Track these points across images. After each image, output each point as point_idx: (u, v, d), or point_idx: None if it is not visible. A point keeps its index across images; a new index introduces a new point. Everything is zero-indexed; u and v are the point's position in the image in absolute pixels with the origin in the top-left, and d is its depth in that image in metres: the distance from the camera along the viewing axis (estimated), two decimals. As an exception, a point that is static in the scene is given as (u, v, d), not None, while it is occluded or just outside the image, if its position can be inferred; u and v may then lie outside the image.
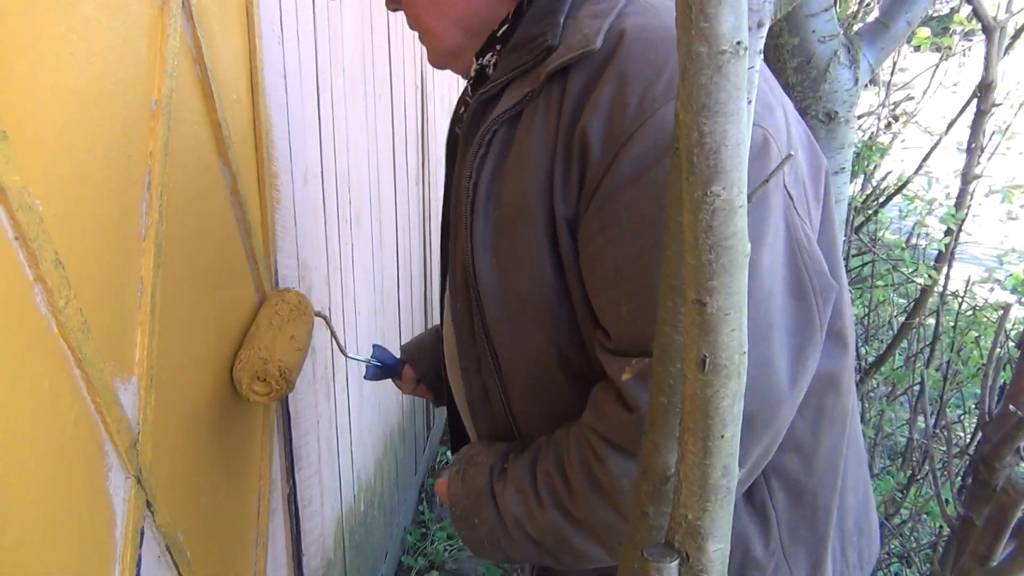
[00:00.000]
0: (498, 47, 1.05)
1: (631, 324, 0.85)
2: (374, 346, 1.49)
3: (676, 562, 0.57)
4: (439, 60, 1.12)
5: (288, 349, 1.28)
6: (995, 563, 0.59)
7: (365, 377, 1.47)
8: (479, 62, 1.07)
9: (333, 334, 1.49)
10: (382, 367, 1.47)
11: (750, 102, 0.57)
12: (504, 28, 1.03)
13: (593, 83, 0.86)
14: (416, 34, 1.12)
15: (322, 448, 1.83)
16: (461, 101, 1.19)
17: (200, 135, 1.16)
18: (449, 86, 3.68)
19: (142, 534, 0.99)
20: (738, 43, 0.42)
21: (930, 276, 1.87)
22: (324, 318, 1.50)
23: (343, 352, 1.49)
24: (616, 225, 0.84)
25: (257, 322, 1.31)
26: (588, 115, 0.84)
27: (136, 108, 0.98)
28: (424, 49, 1.12)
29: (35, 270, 0.78)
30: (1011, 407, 0.62)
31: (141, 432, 0.98)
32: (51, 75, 0.80)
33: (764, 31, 0.56)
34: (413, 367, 1.47)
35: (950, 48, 2.39)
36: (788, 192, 0.85)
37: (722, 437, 0.51)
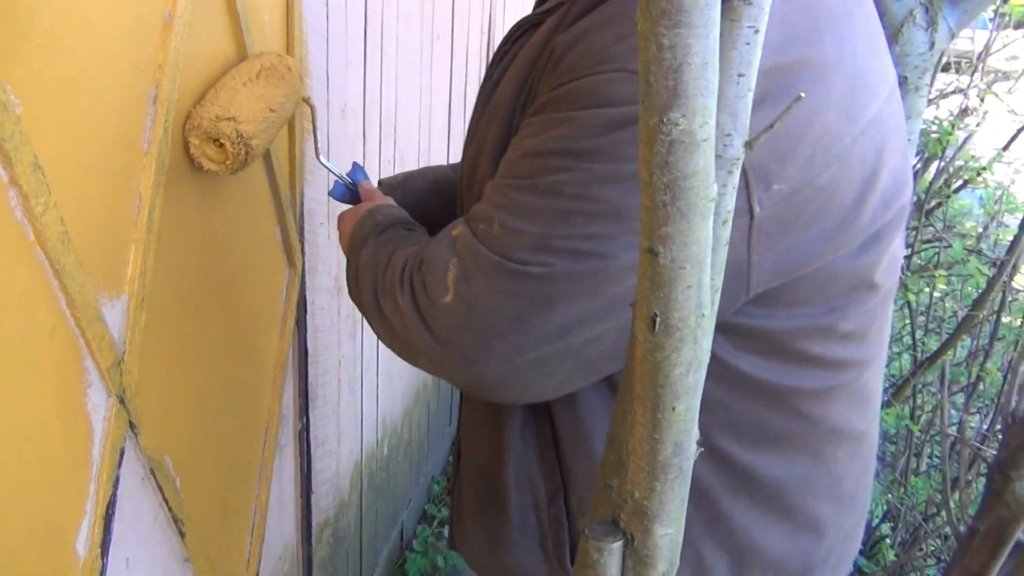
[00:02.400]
0: None
1: (478, 206, 0.84)
2: (355, 164, 1.29)
3: (620, 543, 0.51)
4: None
5: (253, 109, 1.08)
6: (990, 584, 0.52)
7: (330, 194, 1.27)
8: None
9: (315, 129, 1.34)
10: (353, 190, 1.26)
11: (757, 31, 0.50)
12: None
13: (587, 11, 0.83)
14: None
15: (343, 389, 1.81)
16: None
17: (219, 54, 1.12)
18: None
19: (122, 454, 0.97)
20: (707, -65, 0.35)
21: (981, 272, 1.73)
22: (310, 105, 1.31)
23: (317, 155, 1.30)
24: (519, 134, 0.84)
25: (221, 79, 1.10)
26: (564, 37, 0.82)
27: (146, 17, 0.94)
28: None
29: (9, 172, 0.75)
30: (1032, 409, 0.54)
31: (128, 351, 0.96)
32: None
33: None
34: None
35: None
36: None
37: (673, 410, 0.45)
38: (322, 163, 1.28)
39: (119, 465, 0.96)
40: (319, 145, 1.32)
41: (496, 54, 1.03)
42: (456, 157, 2.68)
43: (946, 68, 2.52)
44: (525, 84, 0.89)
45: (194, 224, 1.10)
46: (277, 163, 1.32)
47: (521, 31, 0.98)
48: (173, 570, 1.15)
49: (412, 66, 2.07)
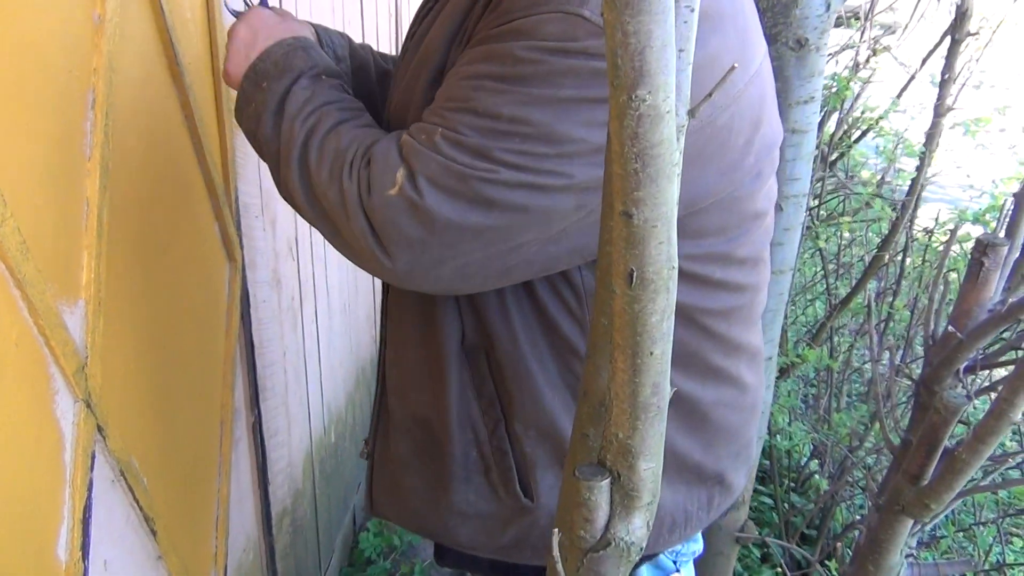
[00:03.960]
0: None
1: (420, 123, 0.88)
2: None
3: (607, 480, 0.57)
4: None
5: None
6: (925, 482, 0.59)
7: (228, 6, 1.16)
8: None
9: None
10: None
11: (693, 10, 0.55)
12: None
13: None
14: None
15: (289, 379, 1.82)
16: None
17: (150, 55, 1.12)
18: None
19: (93, 458, 0.98)
20: (662, -65, 0.40)
21: (886, 212, 1.85)
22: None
23: None
24: (456, 66, 0.89)
25: None
26: None
27: (77, 22, 0.94)
28: None
29: (-35, 187, 0.75)
30: (950, 328, 0.61)
31: (90, 356, 0.97)
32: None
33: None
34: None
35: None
36: None
37: (651, 354, 0.50)
38: None
39: (91, 468, 0.97)
40: None
41: (417, 14, 1.07)
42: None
43: (838, 24, 2.65)
44: (460, 29, 0.94)
45: (138, 226, 1.11)
46: (211, 158, 1.32)
47: None
48: (146, 569, 1.16)
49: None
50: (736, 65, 0.62)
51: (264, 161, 1.01)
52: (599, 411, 0.66)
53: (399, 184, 0.85)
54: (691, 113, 0.57)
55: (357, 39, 2.38)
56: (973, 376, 0.65)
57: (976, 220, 1.89)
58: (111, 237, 1.01)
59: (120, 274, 1.05)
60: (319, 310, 2.09)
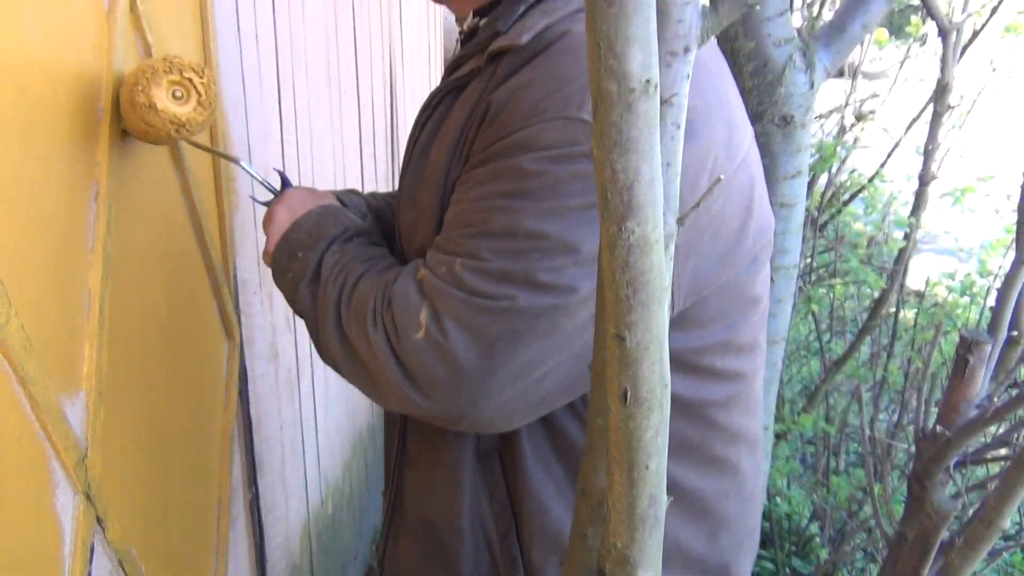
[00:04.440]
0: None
1: (435, 254, 0.89)
2: (279, 172, 1.20)
3: (607, 588, 0.58)
4: None
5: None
6: (922, 584, 0.60)
7: (257, 199, 1.20)
8: (475, 20, 1.07)
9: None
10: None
11: (677, 126, 0.57)
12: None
13: (514, 72, 0.90)
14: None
15: (286, 453, 1.82)
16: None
17: (153, 146, 1.15)
18: (420, 81, 3.66)
19: (92, 551, 0.98)
20: (647, 81, 0.42)
21: (879, 284, 1.89)
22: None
23: (238, 161, 1.20)
24: (462, 188, 0.90)
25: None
26: (498, 94, 0.89)
27: (80, 116, 0.96)
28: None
29: (-29, 289, 0.77)
30: (938, 428, 0.62)
31: (90, 447, 0.97)
32: (-15, 90, 0.79)
33: (691, 56, 0.56)
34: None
35: (914, 38, 2.40)
36: None
37: (647, 468, 0.51)
38: (245, 168, 1.19)
39: (90, 561, 0.97)
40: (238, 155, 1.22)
41: (417, 120, 1.08)
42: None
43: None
44: (458, 144, 0.95)
45: (138, 311, 1.12)
46: (210, 238, 1.34)
47: (439, 98, 1.04)
48: (143, 657, 1.15)
49: (324, 126, 2.11)
50: (721, 178, 0.64)
51: (308, 330, 1.02)
52: (598, 511, 0.67)
53: (424, 327, 0.85)
54: (680, 221, 0.59)
55: (355, 153, 2.44)
56: (964, 470, 0.67)
57: (964, 292, 1.91)
58: (112, 326, 1.03)
59: (120, 362, 1.06)
60: (316, 380, 2.09)
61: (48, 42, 0.88)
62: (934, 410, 0.80)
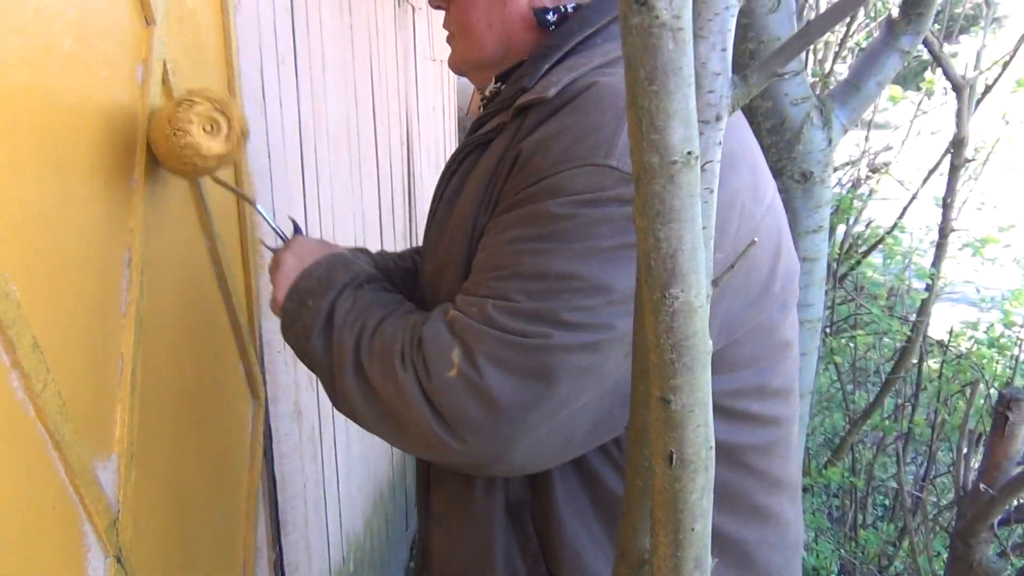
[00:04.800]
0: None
1: (466, 297, 0.90)
2: (292, 220, 1.23)
3: (652, 653, 0.57)
4: (464, 65, 1.14)
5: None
6: (970, 646, 0.59)
7: (269, 247, 1.21)
8: (497, 85, 1.11)
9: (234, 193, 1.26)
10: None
11: (710, 191, 0.59)
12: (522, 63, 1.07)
13: (542, 123, 0.93)
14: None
15: (309, 511, 1.81)
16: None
17: (182, 209, 1.17)
18: (436, 139, 3.72)
19: (122, 615, 0.97)
20: (688, 153, 0.43)
21: (904, 334, 1.88)
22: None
23: (255, 203, 1.21)
24: (491, 234, 0.92)
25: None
26: (527, 143, 0.91)
27: (116, 187, 0.99)
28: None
29: (11, 356, 0.78)
30: (981, 486, 0.62)
31: (121, 510, 0.97)
32: (29, 162, 0.81)
33: (723, 123, 0.58)
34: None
35: (925, 91, 2.43)
36: None
37: (692, 530, 0.51)
38: (260, 212, 1.21)
39: (120, 626, 0.97)
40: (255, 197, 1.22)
41: (443, 175, 1.10)
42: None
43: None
44: (487, 191, 0.97)
45: (169, 375, 1.13)
46: (237, 300, 1.36)
47: (465, 153, 1.06)
48: None
49: (344, 188, 2.15)
50: (756, 240, 0.66)
51: (317, 375, 1.02)
52: (636, 572, 0.66)
53: (456, 365, 0.85)
54: (715, 283, 0.60)
55: (374, 211, 2.48)
56: (1008, 528, 0.66)
57: (992, 345, 1.91)
58: (143, 389, 1.04)
59: (151, 424, 1.07)
60: (338, 438, 2.09)
61: (84, 113, 0.91)
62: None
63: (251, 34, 1.44)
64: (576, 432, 0.89)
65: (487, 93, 1.14)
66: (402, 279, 1.28)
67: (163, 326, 1.11)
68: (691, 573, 0.53)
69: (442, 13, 1.14)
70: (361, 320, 0.97)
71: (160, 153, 1.03)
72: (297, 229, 1.20)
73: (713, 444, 0.50)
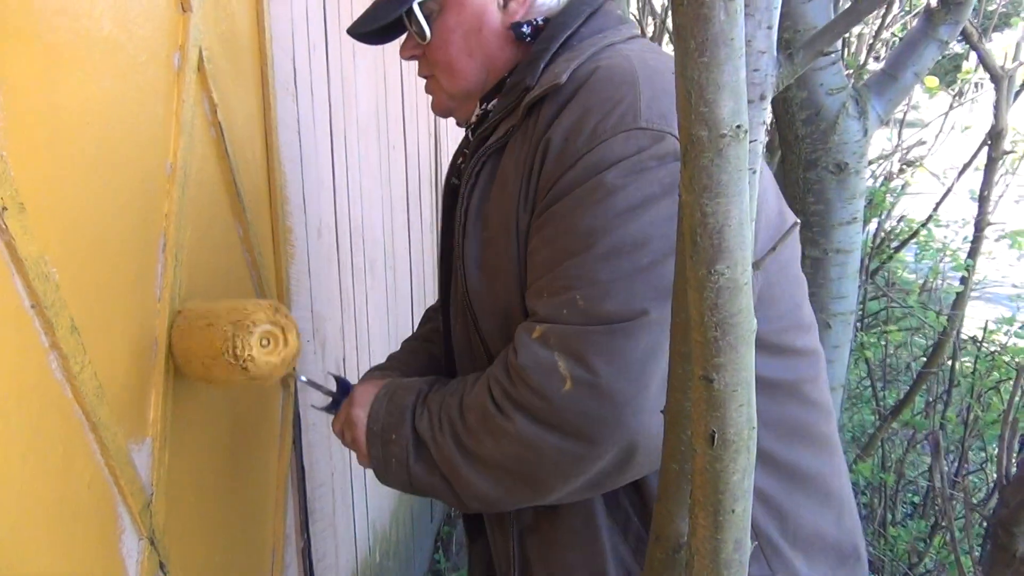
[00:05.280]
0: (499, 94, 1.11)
1: (547, 301, 0.90)
2: (334, 376, 1.24)
3: (690, 637, 0.56)
4: (451, 100, 1.17)
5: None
6: (1016, 636, 0.58)
7: (325, 409, 1.22)
8: (483, 107, 1.14)
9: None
10: (340, 398, 1.20)
11: (753, 171, 0.58)
12: (509, 76, 1.10)
13: (559, 111, 0.95)
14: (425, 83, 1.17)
15: (336, 501, 1.82)
16: (459, 153, 1.24)
17: (215, 195, 1.18)
18: (463, 129, 3.71)
19: (155, 596, 0.98)
20: (738, 126, 0.43)
21: (941, 324, 1.86)
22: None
23: (298, 376, 1.20)
24: (549, 227, 0.92)
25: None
26: (552, 131, 0.94)
27: (152, 172, 1.00)
28: (431, 98, 1.18)
29: (51, 337, 0.79)
30: (1026, 474, 0.61)
31: (155, 493, 0.98)
32: (69, 145, 0.82)
33: (767, 103, 0.57)
34: None
35: (962, 86, 2.39)
36: None
37: (733, 512, 0.51)
38: (306, 382, 1.21)
39: (153, 607, 0.98)
40: (298, 370, 1.22)
41: (460, 191, 1.10)
42: (416, 257, 2.75)
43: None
44: (521, 190, 0.98)
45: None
46: (268, 288, 1.37)
47: (480, 164, 1.07)
48: None
49: (373, 178, 2.15)
50: (799, 221, 0.66)
51: (436, 498, 1.03)
52: (672, 557, 0.66)
53: (568, 376, 0.85)
54: (756, 266, 0.59)
55: (402, 201, 2.50)
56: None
57: (1027, 337, 1.88)
58: (176, 375, 1.04)
59: (184, 409, 1.07)
60: (365, 428, 2.09)
61: (122, 97, 0.92)
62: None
63: (284, 22, 1.45)
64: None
65: (473, 120, 1.17)
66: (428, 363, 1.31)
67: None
68: (730, 555, 0.52)
69: None
70: (446, 417, 0.98)
71: (207, 368, 1.02)
72: (342, 382, 1.21)
73: (755, 425, 0.49)
